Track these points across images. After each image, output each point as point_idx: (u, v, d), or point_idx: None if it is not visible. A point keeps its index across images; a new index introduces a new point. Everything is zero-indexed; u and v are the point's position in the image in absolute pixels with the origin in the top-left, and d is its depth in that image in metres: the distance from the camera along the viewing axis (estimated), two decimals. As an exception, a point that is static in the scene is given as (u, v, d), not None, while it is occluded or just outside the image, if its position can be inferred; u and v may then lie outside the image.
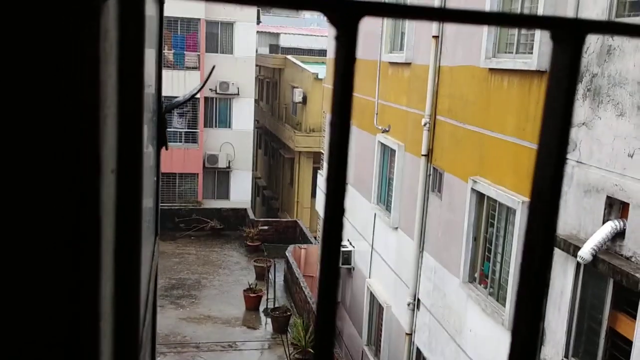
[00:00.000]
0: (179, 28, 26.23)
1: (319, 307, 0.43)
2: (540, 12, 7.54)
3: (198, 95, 25.94)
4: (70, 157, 0.54)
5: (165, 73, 25.31)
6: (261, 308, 18.27)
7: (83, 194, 0.56)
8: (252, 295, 18.17)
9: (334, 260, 0.42)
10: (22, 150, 0.53)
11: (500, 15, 0.45)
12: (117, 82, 0.68)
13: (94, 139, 0.54)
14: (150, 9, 1.51)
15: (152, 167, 1.82)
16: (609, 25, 0.46)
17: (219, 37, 27.03)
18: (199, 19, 26.09)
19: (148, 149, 1.69)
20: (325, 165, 0.42)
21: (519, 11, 8.33)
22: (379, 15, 0.42)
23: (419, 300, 11.26)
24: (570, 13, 6.99)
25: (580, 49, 0.44)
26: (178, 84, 25.44)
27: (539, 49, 7.54)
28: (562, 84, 0.43)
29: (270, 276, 18.96)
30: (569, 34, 0.43)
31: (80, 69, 0.51)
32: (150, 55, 1.66)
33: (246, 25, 27.20)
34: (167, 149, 2.03)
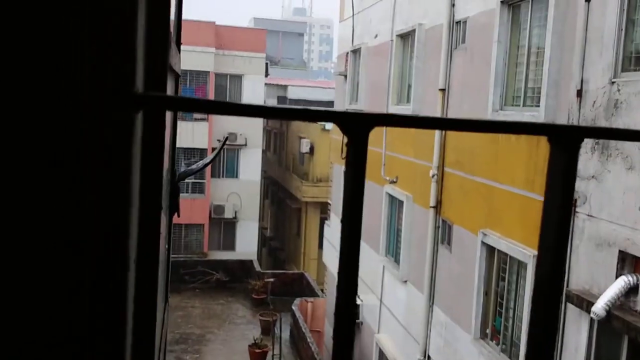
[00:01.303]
0: (188, 80, 26.68)
1: None
2: (546, 68, 7.59)
3: (206, 146, 26.15)
4: (99, 259, 0.56)
5: (174, 125, 25.62)
6: (267, 363, 17.89)
7: (113, 284, 0.58)
8: (257, 350, 17.82)
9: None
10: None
11: (502, 124, 0.48)
12: (141, 176, 0.72)
13: (124, 234, 0.57)
14: (170, 86, 1.54)
15: (165, 236, 1.80)
16: (605, 131, 0.49)
17: (227, 89, 27.44)
18: (208, 72, 26.56)
19: (164, 218, 1.69)
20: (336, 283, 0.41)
21: (525, 67, 8.41)
22: (388, 125, 0.45)
23: (429, 357, 10.99)
24: (575, 69, 7.03)
25: (576, 153, 0.46)
26: (186, 135, 25.70)
27: (546, 102, 7.57)
28: (558, 188, 0.45)
29: (276, 331, 18.64)
30: (565, 139, 0.45)
31: (113, 176, 0.54)
32: (166, 128, 1.69)
33: (254, 78, 27.64)
34: (179, 216, 2.01)
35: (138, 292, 0.76)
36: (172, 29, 1.82)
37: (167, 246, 1.95)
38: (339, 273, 0.41)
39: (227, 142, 27.10)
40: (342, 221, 0.42)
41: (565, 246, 0.46)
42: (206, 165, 3.24)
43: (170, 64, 1.08)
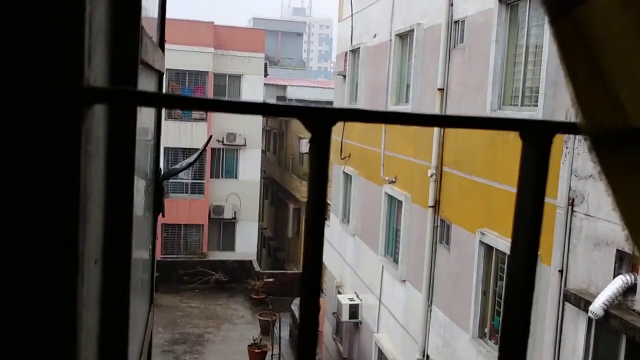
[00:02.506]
0: (187, 81, 26.67)
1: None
2: (544, 67, 7.59)
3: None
4: (48, 259, 0.55)
5: (173, 124, 25.65)
6: (266, 363, 17.89)
7: (60, 285, 0.56)
8: (256, 350, 17.81)
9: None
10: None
11: (471, 119, 0.46)
12: (106, 173, 0.70)
13: (72, 233, 0.55)
14: (147, 84, 1.53)
15: (148, 236, 1.80)
16: (577, 127, 0.47)
17: (226, 89, 27.43)
18: (207, 72, 26.55)
19: (145, 217, 1.67)
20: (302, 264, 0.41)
21: (523, 67, 8.42)
22: (350, 120, 0.44)
23: (428, 356, 10.99)
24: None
25: (548, 149, 0.46)
26: (185, 135, 25.70)
27: (544, 102, 7.57)
28: (530, 183, 0.45)
29: (275, 331, 18.63)
30: (537, 135, 0.45)
31: (60, 177, 0.53)
32: (149, 126, 1.67)
33: (253, 78, 27.62)
34: (163, 216, 2.01)
35: (107, 293, 0.75)
36: (155, 27, 1.81)
37: (151, 246, 1.94)
38: (303, 269, 0.41)
39: (227, 143, 27.10)
40: (306, 214, 0.42)
41: (537, 242, 0.46)
42: (190, 164, 3.24)
43: (146, 61, 1.07)
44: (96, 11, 0.61)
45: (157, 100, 0.39)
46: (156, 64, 1.47)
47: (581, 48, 0.43)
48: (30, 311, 0.55)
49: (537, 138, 0.46)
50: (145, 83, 1.39)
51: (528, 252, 0.45)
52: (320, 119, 0.39)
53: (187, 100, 0.38)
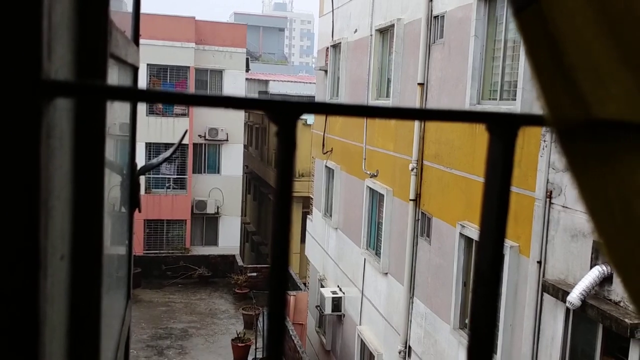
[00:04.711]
0: (168, 76, 26.50)
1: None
2: (522, 62, 7.67)
3: (187, 142, 26.03)
4: (8, 255, 0.54)
5: (155, 120, 25.50)
6: (250, 358, 17.90)
7: (22, 284, 0.56)
8: (240, 344, 17.83)
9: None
10: None
11: (439, 112, 0.48)
12: (73, 169, 0.69)
13: (32, 227, 0.54)
14: (123, 79, 1.53)
15: (124, 232, 1.81)
16: (543, 119, 0.46)
17: (208, 85, 27.30)
18: (189, 67, 26.40)
19: (121, 212, 1.69)
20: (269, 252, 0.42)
21: (501, 61, 8.50)
22: (314, 112, 0.44)
23: (410, 347, 11.09)
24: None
25: (513, 141, 0.45)
26: (167, 130, 25.55)
27: (522, 95, 7.66)
28: (497, 175, 0.45)
29: (259, 325, 18.65)
30: (502, 127, 0.45)
31: (18, 170, 0.52)
32: (123, 119, 1.68)
33: (235, 73, 27.52)
34: (140, 211, 2.02)
35: (77, 289, 0.75)
36: (128, 22, 1.81)
37: (127, 242, 1.95)
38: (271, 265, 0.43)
39: (209, 138, 26.99)
40: (273, 205, 0.44)
41: (503, 233, 0.46)
42: (166, 159, 3.24)
43: (117, 55, 1.08)
44: (57, 3, 0.60)
45: (122, 94, 0.40)
46: (129, 58, 1.47)
47: (544, 40, 0.43)
48: None
49: (503, 130, 0.46)
50: (118, 78, 1.41)
51: (495, 240, 0.46)
52: (285, 111, 0.41)
53: (152, 93, 0.39)
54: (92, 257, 0.79)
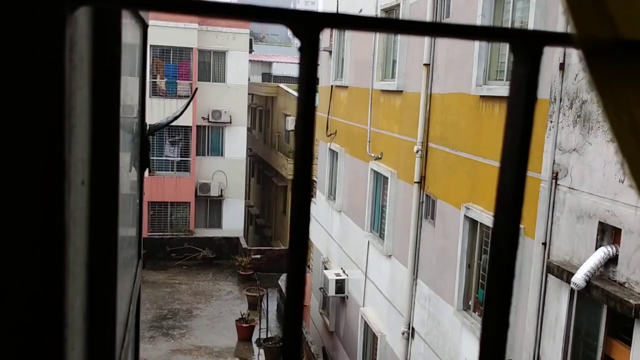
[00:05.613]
0: (171, 57, 26.38)
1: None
2: (532, 21, 7.58)
3: (190, 124, 25.99)
4: (33, 166, 0.54)
5: (158, 101, 25.43)
6: (254, 338, 18.04)
7: (47, 204, 0.56)
8: (244, 325, 17.96)
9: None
10: None
11: (458, 27, 0.45)
12: (91, 94, 0.69)
13: (58, 149, 0.54)
14: (133, 35, 1.52)
15: (136, 189, 1.80)
16: (568, 37, 0.46)
17: (211, 66, 27.19)
18: (192, 48, 26.27)
19: (131, 171, 1.68)
20: (293, 176, 0.41)
21: (510, 20, 8.42)
22: (339, 27, 0.43)
23: (413, 329, 11.15)
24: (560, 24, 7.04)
25: (538, 60, 0.44)
26: (171, 111, 25.48)
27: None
28: (521, 96, 0.44)
29: (263, 306, 18.77)
30: (527, 46, 0.44)
31: (43, 79, 0.52)
32: (133, 79, 1.66)
33: (238, 54, 27.39)
34: (150, 172, 2.02)
35: (94, 213, 0.74)
36: None
37: (139, 201, 1.95)
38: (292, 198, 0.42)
39: (213, 120, 26.93)
40: (295, 131, 0.43)
41: (526, 165, 0.45)
42: (176, 117, 3.25)
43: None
44: None
45: (139, 1, 0.39)
46: (142, 13, 1.45)
47: None
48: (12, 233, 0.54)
49: (528, 49, 0.44)
50: (130, 34, 1.39)
51: (517, 168, 0.45)
52: (308, 24, 0.39)
53: (169, 1, 0.38)
54: (109, 182, 0.79)
